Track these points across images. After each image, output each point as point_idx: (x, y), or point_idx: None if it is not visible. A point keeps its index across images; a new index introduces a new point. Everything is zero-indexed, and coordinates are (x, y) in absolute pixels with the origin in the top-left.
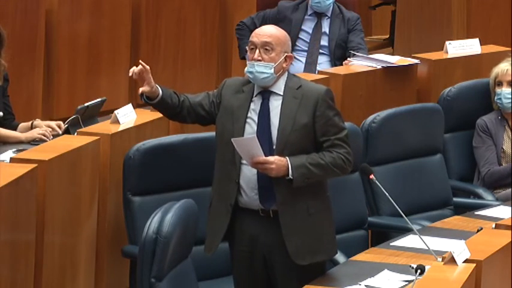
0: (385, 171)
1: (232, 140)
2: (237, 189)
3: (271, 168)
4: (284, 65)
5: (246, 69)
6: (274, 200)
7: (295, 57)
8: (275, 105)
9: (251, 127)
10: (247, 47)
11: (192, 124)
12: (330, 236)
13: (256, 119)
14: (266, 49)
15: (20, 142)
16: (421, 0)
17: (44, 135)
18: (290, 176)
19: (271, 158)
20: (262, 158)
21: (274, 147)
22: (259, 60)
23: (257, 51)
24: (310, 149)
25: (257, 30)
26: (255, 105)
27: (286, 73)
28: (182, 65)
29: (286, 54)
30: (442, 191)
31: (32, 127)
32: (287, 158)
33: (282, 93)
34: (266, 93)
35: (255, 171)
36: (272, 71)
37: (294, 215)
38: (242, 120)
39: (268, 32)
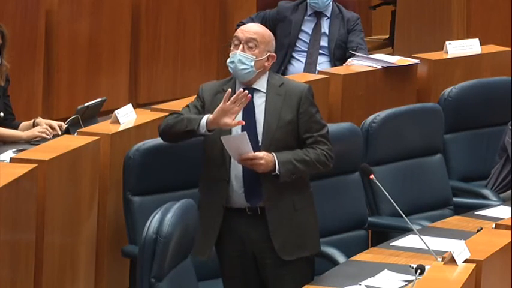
0: (385, 171)
1: (221, 137)
2: (227, 188)
3: (260, 163)
4: (266, 64)
5: (227, 60)
6: (260, 197)
7: (295, 58)
8: (259, 102)
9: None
10: (231, 41)
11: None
12: (314, 231)
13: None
14: (249, 46)
15: (20, 141)
16: (421, 0)
17: (45, 133)
18: (277, 172)
19: (260, 154)
20: (252, 154)
21: (260, 144)
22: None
23: (241, 46)
24: (294, 145)
25: (243, 27)
26: None
27: (268, 71)
28: (182, 65)
29: (269, 53)
30: (442, 191)
31: (34, 125)
32: (273, 154)
33: (265, 91)
34: (249, 91)
35: (240, 170)
36: (252, 63)
37: (280, 211)
38: None
39: (253, 29)
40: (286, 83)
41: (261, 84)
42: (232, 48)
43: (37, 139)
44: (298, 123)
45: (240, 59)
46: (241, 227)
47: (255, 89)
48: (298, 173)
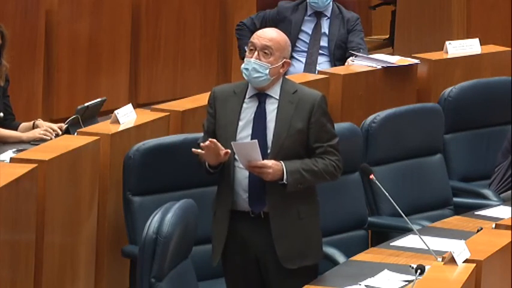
0: (385, 171)
1: (232, 143)
2: (232, 192)
3: (268, 172)
4: (281, 70)
5: (242, 65)
6: (263, 204)
7: (295, 58)
8: (271, 109)
9: (245, 130)
10: (246, 47)
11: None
12: (317, 240)
13: (250, 121)
14: (265, 52)
15: (20, 142)
16: (421, 0)
17: (45, 135)
18: (284, 181)
19: (268, 163)
20: (260, 162)
21: (268, 151)
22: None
23: (256, 53)
24: (302, 154)
25: (259, 32)
26: (249, 108)
27: (282, 77)
28: (182, 65)
29: (284, 60)
30: (442, 191)
31: (33, 127)
32: (282, 162)
33: (277, 97)
34: (262, 96)
35: (246, 174)
36: (267, 71)
37: (284, 219)
38: (234, 123)
39: (269, 35)
40: (300, 91)
41: (275, 90)
42: (247, 53)
43: (37, 140)
44: (308, 133)
45: (255, 67)
46: (245, 230)
47: (268, 94)
48: (306, 182)
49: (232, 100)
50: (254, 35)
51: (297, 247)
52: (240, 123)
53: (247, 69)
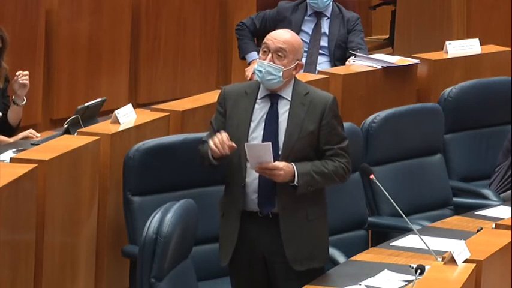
0: (385, 171)
1: (245, 144)
2: (243, 193)
3: (279, 174)
4: (293, 72)
5: (255, 67)
6: (272, 205)
7: None
8: (283, 110)
9: (257, 130)
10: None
11: None
12: (325, 242)
13: (262, 122)
14: (279, 55)
15: (7, 144)
16: (421, 0)
17: (32, 133)
18: (295, 183)
19: (280, 165)
20: (272, 164)
21: (279, 152)
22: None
23: (269, 55)
24: (312, 156)
25: (273, 34)
26: (261, 108)
27: (294, 78)
28: (182, 65)
29: (297, 62)
30: (442, 191)
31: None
32: (293, 164)
33: (289, 99)
34: (274, 97)
35: (257, 175)
36: (280, 74)
37: (293, 221)
38: (247, 124)
39: (283, 37)
40: (312, 92)
41: (287, 91)
42: (260, 54)
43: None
44: (319, 135)
45: (268, 70)
46: (253, 230)
47: (280, 96)
48: (316, 185)
49: (244, 100)
50: (268, 36)
51: (305, 249)
52: (252, 124)
53: (260, 71)
